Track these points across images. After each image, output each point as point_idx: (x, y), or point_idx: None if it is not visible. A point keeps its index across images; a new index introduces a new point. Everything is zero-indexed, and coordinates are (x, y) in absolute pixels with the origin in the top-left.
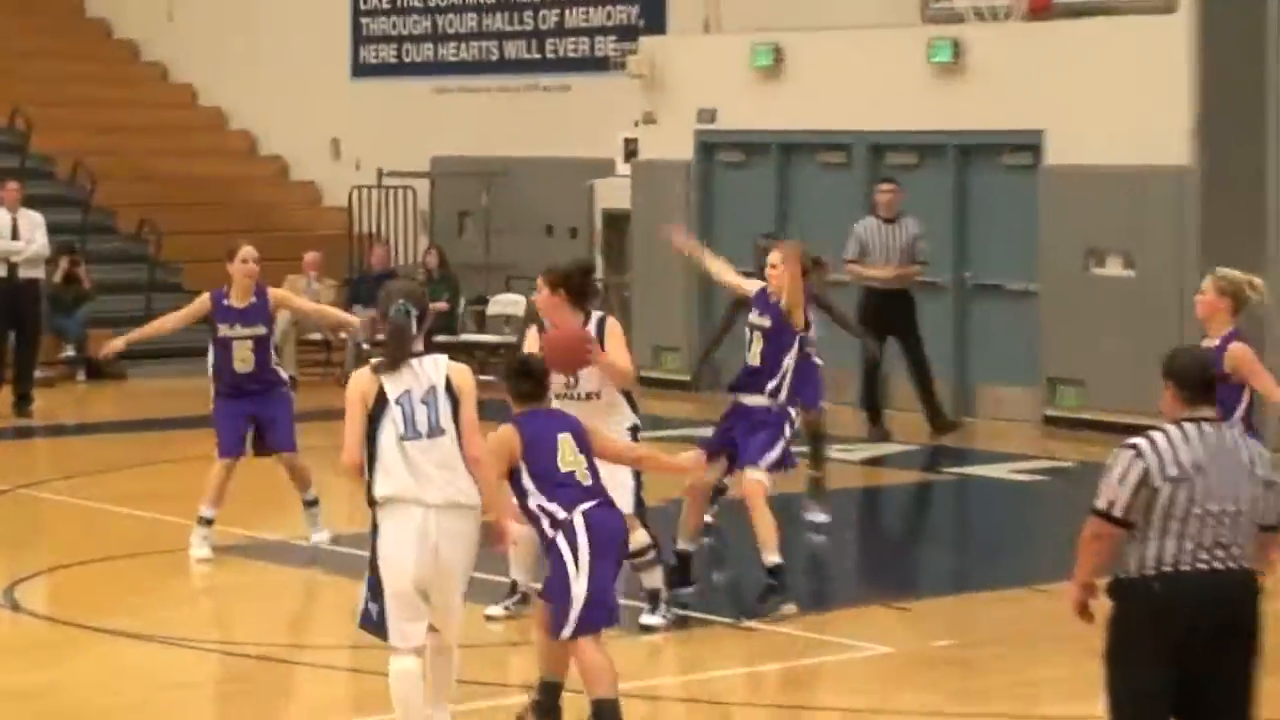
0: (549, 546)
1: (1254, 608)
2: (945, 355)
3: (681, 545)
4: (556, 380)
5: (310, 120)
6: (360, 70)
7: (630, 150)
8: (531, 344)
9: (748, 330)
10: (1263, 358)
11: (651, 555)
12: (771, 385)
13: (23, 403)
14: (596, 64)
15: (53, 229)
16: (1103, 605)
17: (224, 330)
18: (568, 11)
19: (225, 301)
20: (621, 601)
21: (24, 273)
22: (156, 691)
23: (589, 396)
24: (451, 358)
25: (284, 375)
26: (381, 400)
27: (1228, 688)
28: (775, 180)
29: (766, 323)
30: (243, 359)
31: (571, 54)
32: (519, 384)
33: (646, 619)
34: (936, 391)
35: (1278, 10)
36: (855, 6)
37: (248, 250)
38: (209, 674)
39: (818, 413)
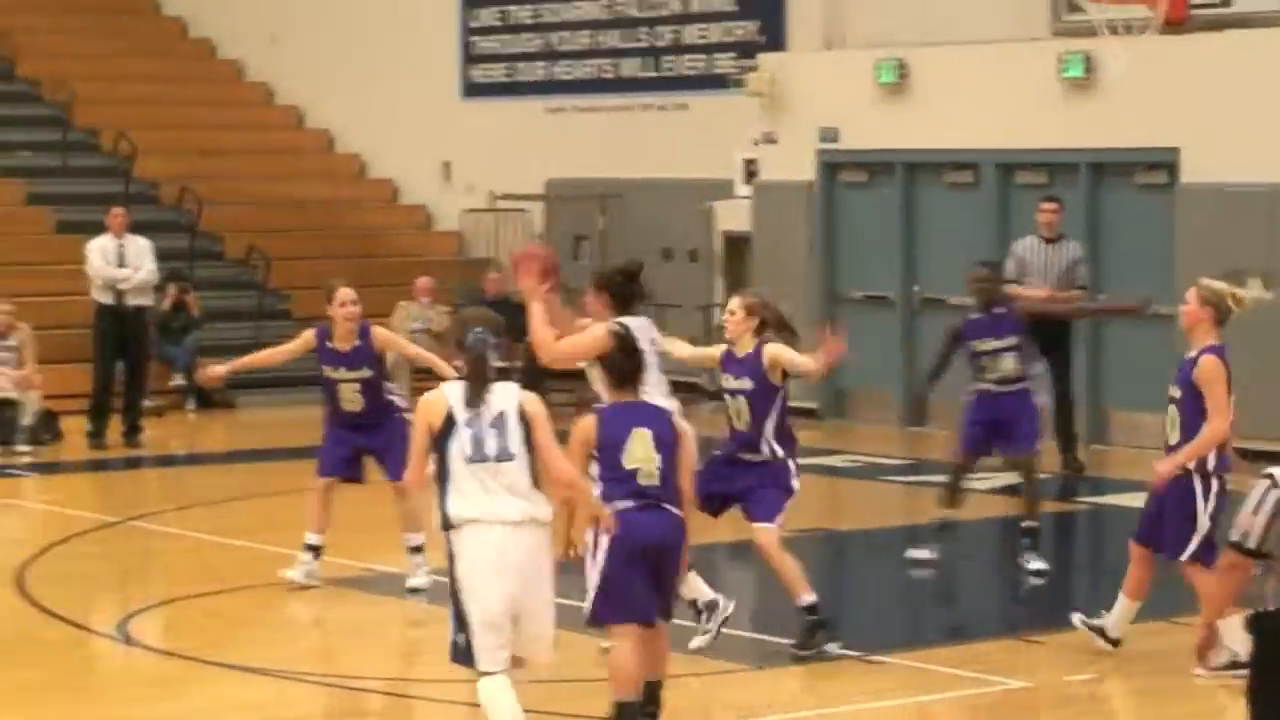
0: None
1: None
2: (1079, 379)
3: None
4: None
5: (420, 142)
6: (470, 90)
7: (750, 171)
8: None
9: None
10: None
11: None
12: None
13: (132, 433)
14: (715, 82)
15: (160, 255)
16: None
17: (329, 372)
18: (685, 28)
19: (329, 344)
20: (736, 633)
21: (132, 300)
22: None
23: None
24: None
25: (399, 402)
26: (450, 423)
27: None
28: (900, 201)
29: (748, 384)
30: (350, 400)
31: (689, 72)
32: (614, 365)
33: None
34: (1076, 430)
35: None
36: (983, 20)
37: (345, 293)
38: (321, 708)
39: (1033, 453)
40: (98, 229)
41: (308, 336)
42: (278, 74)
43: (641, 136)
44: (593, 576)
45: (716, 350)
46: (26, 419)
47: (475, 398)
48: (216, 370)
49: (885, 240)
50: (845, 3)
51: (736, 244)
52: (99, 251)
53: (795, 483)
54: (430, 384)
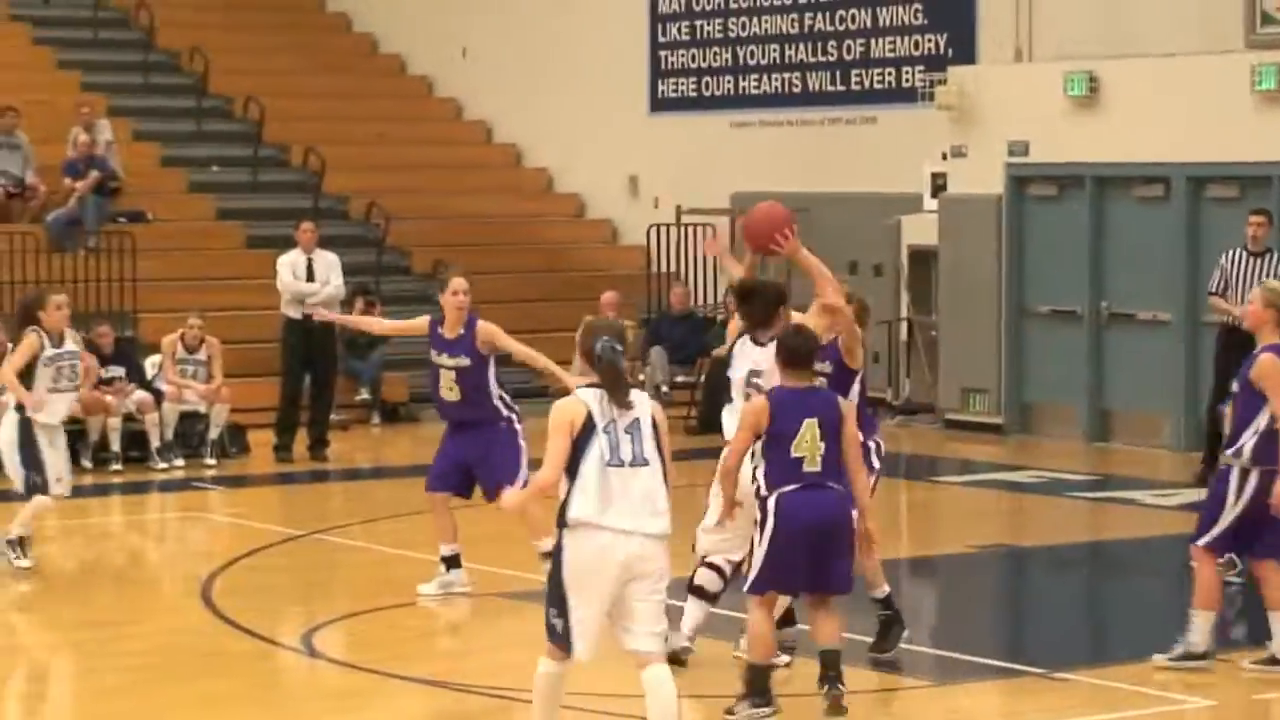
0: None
1: None
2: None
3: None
4: None
5: (607, 157)
6: (658, 105)
7: (938, 185)
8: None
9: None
10: None
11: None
12: None
13: (318, 446)
14: (903, 95)
15: (347, 270)
16: None
17: (434, 357)
18: (873, 41)
19: (439, 330)
20: (915, 648)
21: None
22: None
23: None
24: None
25: (504, 411)
26: (589, 427)
27: None
28: (1089, 215)
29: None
30: (448, 388)
31: (877, 85)
32: (788, 352)
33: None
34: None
35: None
36: (1174, 32)
37: (458, 282)
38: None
39: None
40: (287, 244)
41: (422, 321)
42: (466, 89)
43: (828, 150)
44: (758, 552)
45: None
46: (214, 432)
47: (619, 404)
48: (326, 315)
49: (1073, 254)
50: (1035, 15)
51: (923, 258)
52: (288, 266)
53: (875, 461)
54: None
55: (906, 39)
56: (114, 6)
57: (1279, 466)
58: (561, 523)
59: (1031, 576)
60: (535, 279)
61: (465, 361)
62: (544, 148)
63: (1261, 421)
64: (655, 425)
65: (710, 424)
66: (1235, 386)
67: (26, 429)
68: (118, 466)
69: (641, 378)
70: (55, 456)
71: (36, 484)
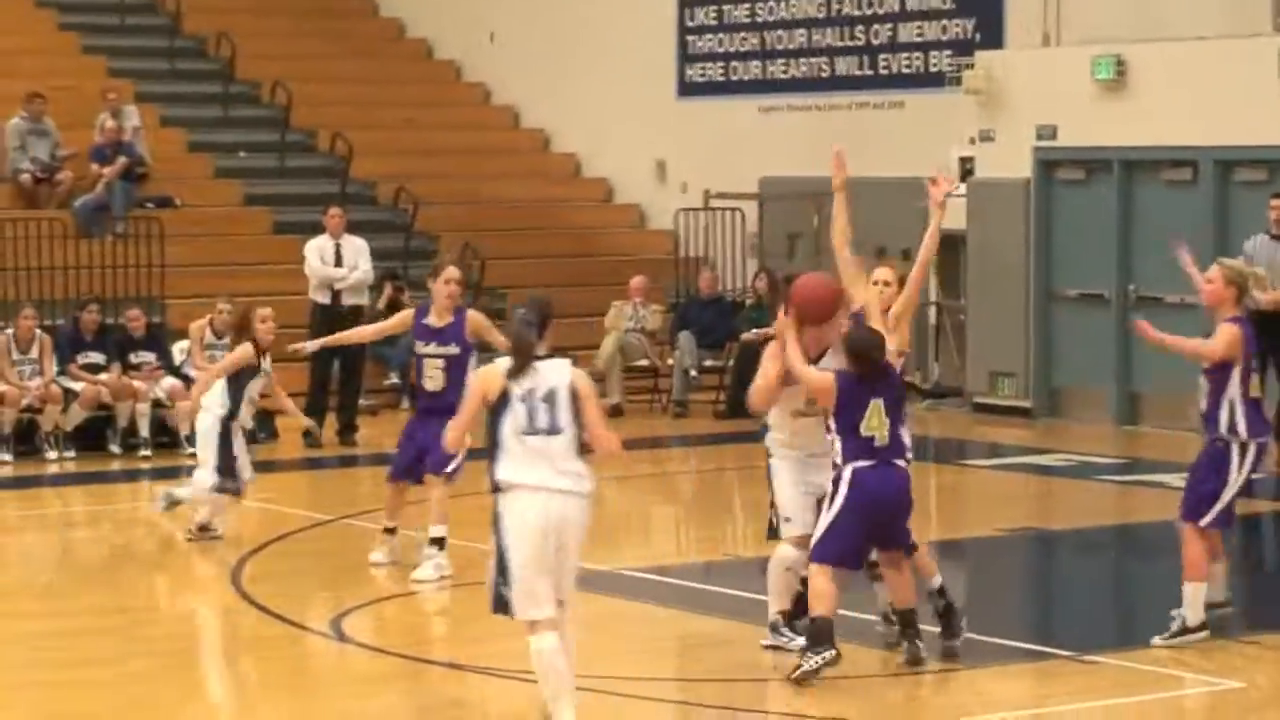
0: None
1: None
2: None
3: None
4: (794, 401)
5: (635, 141)
6: (686, 89)
7: (966, 169)
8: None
9: None
10: None
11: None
12: None
13: (347, 431)
14: (931, 80)
15: (375, 255)
16: None
17: (420, 348)
18: (901, 26)
19: (424, 320)
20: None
21: (347, 299)
22: None
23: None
24: None
25: None
26: (505, 396)
27: None
28: (1117, 199)
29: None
30: (431, 376)
31: (905, 70)
32: (858, 351)
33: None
34: None
35: None
36: (1202, 16)
37: (452, 271)
38: (529, 705)
39: None
40: (314, 229)
41: (405, 315)
42: (494, 74)
43: (856, 135)
44: (824, 519)
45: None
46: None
47: (517, 371)
48: (306, 346)
49: (1101, 238)
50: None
51: (951, 242)
52: (316, 251)
53: None
54: (642, 380)
55: (934, 24)
56: None
57: (1269, 435)
58: (494, 489)
59: (1060, 560)
60: (563, 264)
61: (454, 350)
62: (572, 132)
63: (1233, 391)
64: (576, 394)
65: (738, 408)
66: (1205, 362)
67: (226, 432)
68: (147, 452)
69: (670, 361)
70: (245, 456)
71: (226, 486)
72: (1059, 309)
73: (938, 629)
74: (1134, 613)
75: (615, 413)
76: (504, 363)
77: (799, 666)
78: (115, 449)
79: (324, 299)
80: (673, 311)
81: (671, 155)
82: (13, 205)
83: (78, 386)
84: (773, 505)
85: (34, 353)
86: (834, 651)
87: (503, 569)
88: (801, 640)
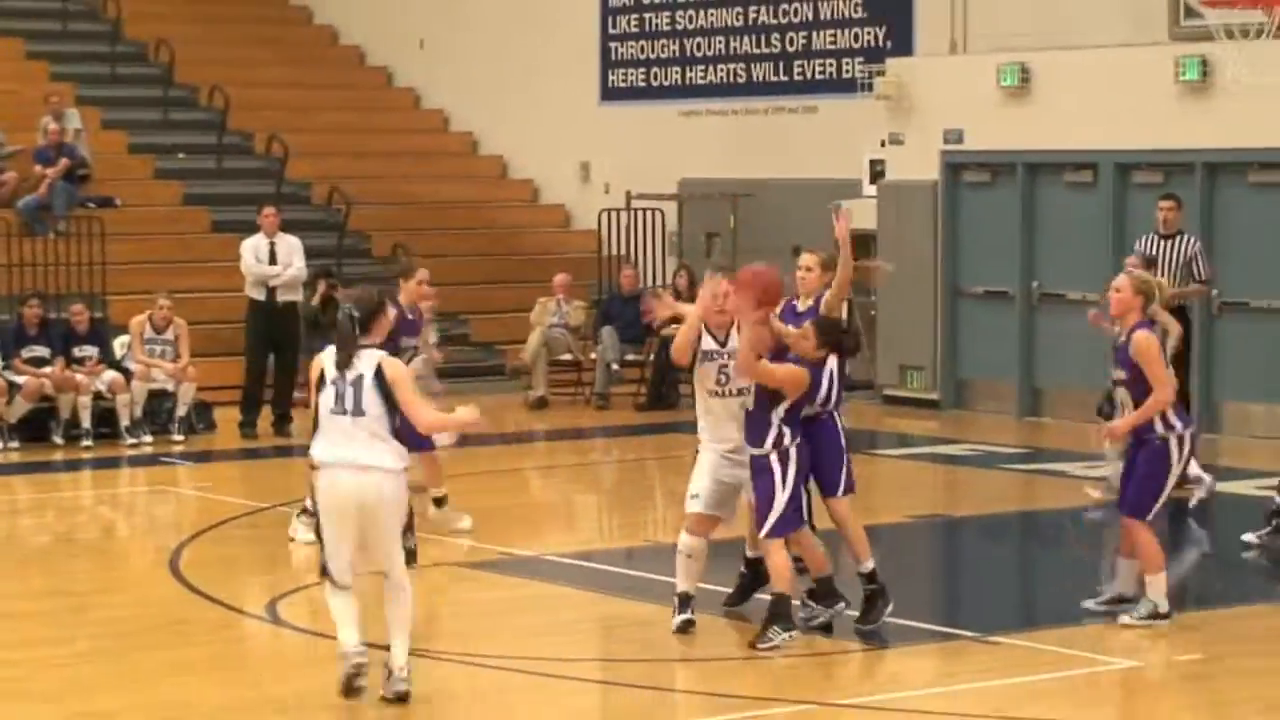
0: (761, 466)
1: None
2: (1192, 372)
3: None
4: (708, 380)
5: (560, 144)
6: (609, 94)
7: (876, 171)
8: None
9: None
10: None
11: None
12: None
13: (282, 423)
14: (844, 86)
15: (309, 253)
16: None
17: (405, 342)
18: (815, 33)
19: (407, 316)
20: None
21: (282, 296)
22: (410, 704)
23: (739, 392)
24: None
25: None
26: (322, 380)
27: None
28: (1021, 200)
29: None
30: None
31: (819, 76)
32: (829, 335)
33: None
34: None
35: None
36: (1103, 25)
37: (424, 272)
38: (460, 686)
39: None
40: (251, 228)
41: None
42: (425, 80)
43: (772, 138)
44: (781, 499)
45: None
46: (181, 409)
47: (343, 364)
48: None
49: (1006, 237)
50: (970, 8)
51: (862, 241)
52: (251, 250)
53: None
54: (566, 374)
55: (846, 31)
56: None
57: (1193, 422)
58: (311, 466)
59: (966, 545)
60: (490, 262)
61: (415, 342)
62: (499, 136)
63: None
64: (384, 379)
65: (658, 400)
66: (1120, 373)
67: None
68: (88, 443)
69: (593, 355)
70: None
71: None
72: (965, 305)
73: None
74: (1036, 596)
75: (540, 404)
76: (326, 353)
77: (766, 639)
78: (58, 440)
79: (259, 296)
80: (595, 307)
81: (595, 157)
82: None
83: (21, 379)
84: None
85: None
86: (797, 632)
87: (320, 538)
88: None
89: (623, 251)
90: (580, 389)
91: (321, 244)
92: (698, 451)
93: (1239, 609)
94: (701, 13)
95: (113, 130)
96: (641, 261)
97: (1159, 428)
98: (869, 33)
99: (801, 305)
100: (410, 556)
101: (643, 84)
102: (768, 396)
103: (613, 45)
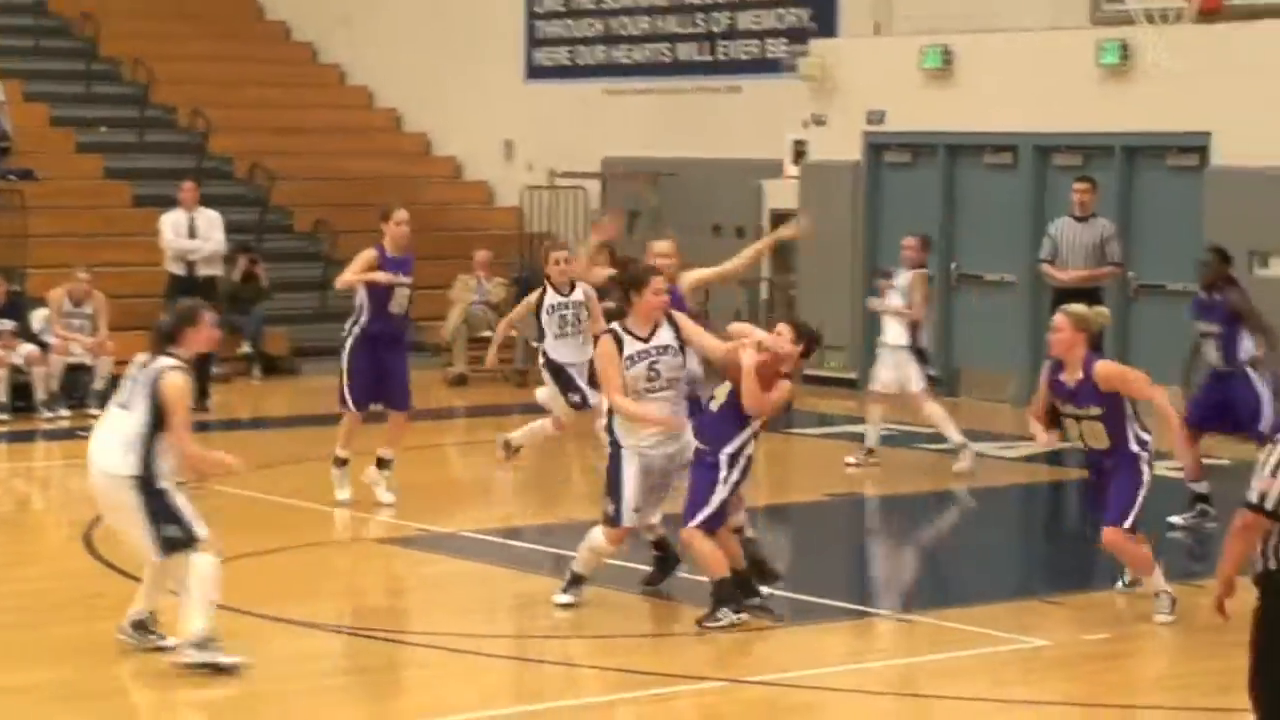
0: (708, 463)
1: None
2: (1108, 355)
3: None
4: (640, 380)
5: (484, 122)
6: (534, 72)
7: (799, 151)
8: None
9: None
10: None
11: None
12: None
13: (200, 398)
14: (767, 66)
15: (231, 228)
16: (1242, 601)
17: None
18: (739, 14)
19: (388, 254)
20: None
21: (202, 270)
22: (324, 679)
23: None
24: None
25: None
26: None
27: None
28: (941, 181)
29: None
30: (400, 303)
31: (742, 56)
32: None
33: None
34: None
35: None
36: (1024, 9)
37: (402, 213)
38: (378, 662)
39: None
40: (173, 203)
41: (369, 255)
42: (349, 56)
43: (695, 118)
44: (722, 493)
45: None
46: (99, 383)
47: (143, 360)
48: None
49: (926, 218)
50: None
51: (784, 221)
52: (170, 224)
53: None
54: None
55: (771, 12)
56: None
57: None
58: None
59: (882, 524)
60: (412, 238)
61: (411, 279)
62: (423, 113)
63: (1127, 410)
64: (157, 391)
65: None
66: (1094, 409)
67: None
68: (4, 416)
69: (513, 333)
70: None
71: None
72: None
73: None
74: (950, 574)
75: (459, 381)
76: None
77: (715, 619)
78: None
79: (179, 270)
80: (517, 285)
81: (518, 135)
82: None
83: None
84: (608, 495)
85: None
86: (745, 615)
87: None
88: (730, 616)
89: (545, 229)
90: (501, 366)
91: (243, 219)
92: (613, 453)
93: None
94: None
95: (35, 103)
96: (564, 239)
97: (1133, 445)
98: (793, 14)
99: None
100: (170, 544)
101: (567, 62)
102: (743, 410)
103: (538, 23)
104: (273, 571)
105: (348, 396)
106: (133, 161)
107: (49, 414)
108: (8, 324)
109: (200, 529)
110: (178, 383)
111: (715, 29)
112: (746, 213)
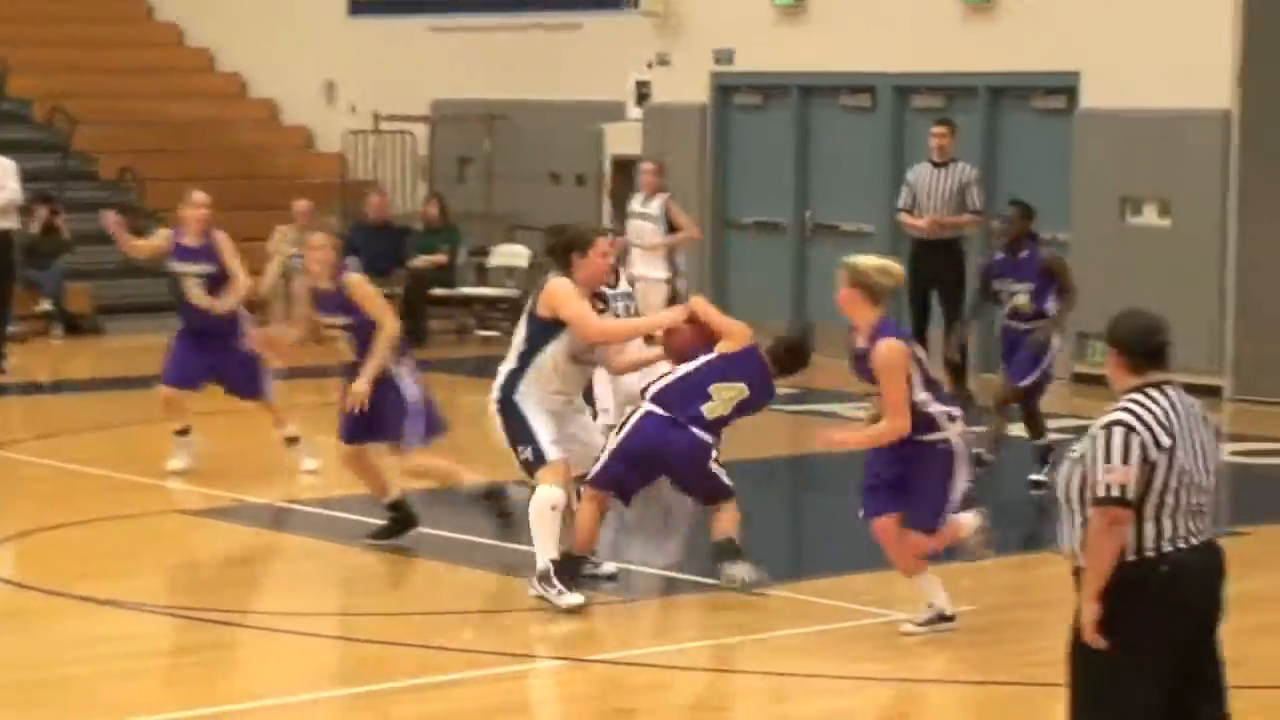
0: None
1: (1225, 577)
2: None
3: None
4: (574, 344)
5: (302, 61)
6: (357, 8)
7: (642, 93)
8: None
9: None
10: None
11: None
12: None
13: None
14: (608, 2)
15: (29, 176)
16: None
17: (178, 267)
18: None
19: (181, 241)
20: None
21: None
22: (130, 659)
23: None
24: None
25: (245, 324)
26: None
27: (1216, 665)
28: (794, 125)
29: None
30: (195, 295)
31: None
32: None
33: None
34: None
35: None
36: None
37: (200, 196)
38: (185, 641)
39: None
40: None
41: (166, 233)
42: None
43: (531, 57)
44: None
45: None
46: None
47: None
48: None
49: (779, 165)
50: None
51: (626, 168)
52: None
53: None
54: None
55: None
56: None
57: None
58: None
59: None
60: (227, 186)
61: (209, 268)
62: (237, 51)
63: (920, 396)
64: None
65: (409, 336)
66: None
67: None
68: None
69: None
70: None
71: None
72: (735, 237)
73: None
74: (805, 545)
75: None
76: None
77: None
78: None
79: None
80: (340, 237)
81: (340, 76)
82: None
83: None
84: (519, 444)
85: None
86: (581, 599)
87: None
88: (572, 598)
89: (370, 177)
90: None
91: (42, 166)
92: (508, 409)
93: (1007, 559)
94: None
95: None
96: (390, 188)
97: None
98: None
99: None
100: None
101: None
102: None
103: None
104: (75, 547)
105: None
106: None
107: None
108: None
109: None
110: None
111: None
112: (586, 159)
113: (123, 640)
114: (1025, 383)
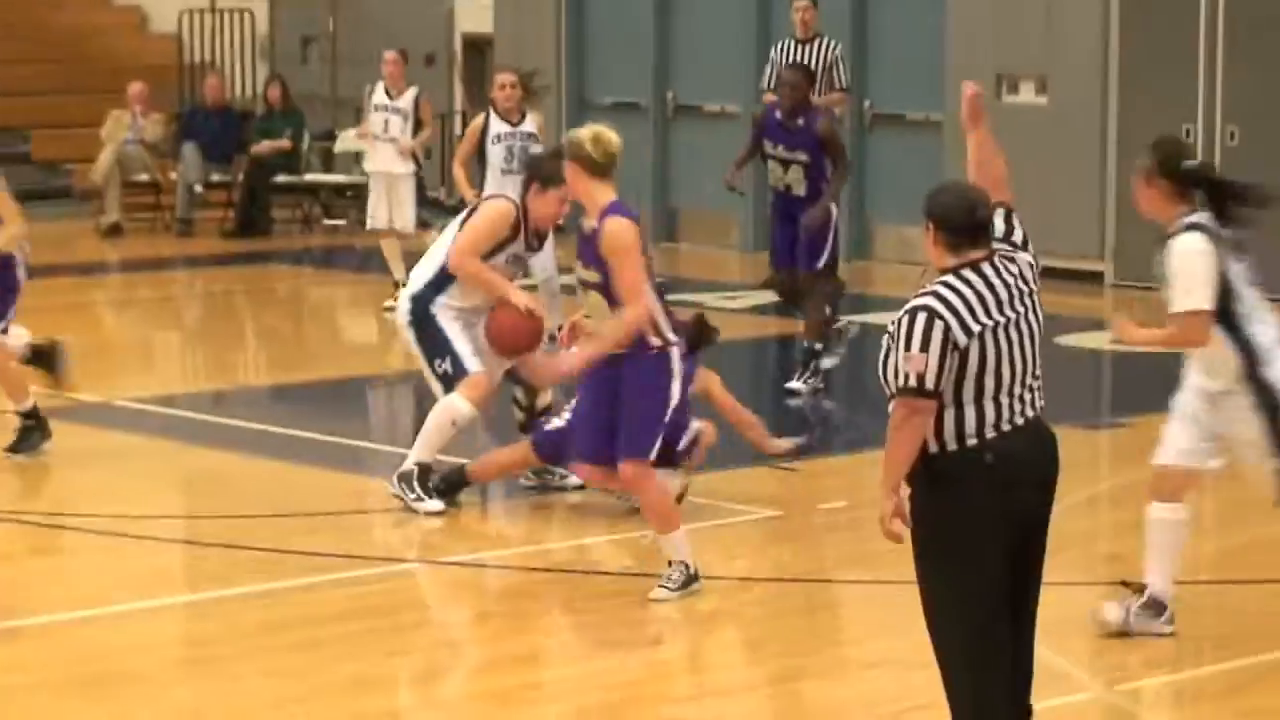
0: None
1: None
2: (844, 192)
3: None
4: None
5: None
6: None
7: None
8: None
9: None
10: None
11: None
12: None
13: None
14: None
15: None
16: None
17: None
18: None
19: None
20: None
21: None
22: None
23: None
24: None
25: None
26: None
27: (1039, 555)
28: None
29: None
30: None
31: None
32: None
33: None
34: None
35: None
36: None
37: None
38: (23, 548)
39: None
40: None
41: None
42: None
43: None
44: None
45: None
46: None
47: None
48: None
49: (638, 43)
50: None
51: (477, 47)
52: None
53: None
54: (143, 197)
55: None
56: None
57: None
58: None
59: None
60: (54, 69)
61: None
62: None
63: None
64: None
65: (248, 226)
66: (593, 275)
67: None
68: None
69: (174, 175)
70: None
71: None
72: (594, 118)
73: None
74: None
75: (114, 231)
76: None
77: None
78: None
79: None
80: (176, 122)
81: None
82: None
83: None
84: (438, 359)
85: None
86: (441, 506)
87: None
88: (430, 504)
89: (207, 59)
90: (159, 213)
91: None
92: (424, 322)
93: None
94: None
95: None
96: (229, 70)
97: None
98: None
99: None
100: None
101: None
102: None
103: None
104: None
105: None
106: None
107: None
108: None
109: None
110: None
111: None
112: (435, 37)
113: None
114: (819, 265)
